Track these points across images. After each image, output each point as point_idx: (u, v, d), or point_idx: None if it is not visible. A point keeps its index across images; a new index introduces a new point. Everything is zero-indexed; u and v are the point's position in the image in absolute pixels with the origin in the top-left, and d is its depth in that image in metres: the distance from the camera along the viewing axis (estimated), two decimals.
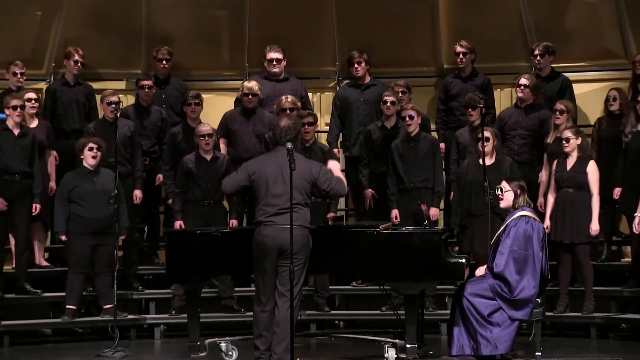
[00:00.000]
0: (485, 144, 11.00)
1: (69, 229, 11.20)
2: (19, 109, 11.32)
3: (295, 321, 9.06)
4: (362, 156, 12.11)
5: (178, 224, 11.43)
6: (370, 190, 12.02)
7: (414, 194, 11.61)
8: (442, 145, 12.33)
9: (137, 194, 11.82)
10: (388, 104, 11.86)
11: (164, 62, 12.57)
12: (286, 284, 9.03)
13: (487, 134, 11.06)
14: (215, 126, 11.82)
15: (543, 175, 11.60)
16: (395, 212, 11.61)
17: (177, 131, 11.96)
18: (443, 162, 12.21)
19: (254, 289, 9.63)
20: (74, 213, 11.17)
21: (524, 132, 11.91)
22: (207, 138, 11.37)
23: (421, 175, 11.62)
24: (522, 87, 11.93)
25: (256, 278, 9.35)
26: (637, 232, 10.94)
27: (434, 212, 11.53)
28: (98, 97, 12.53)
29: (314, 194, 9.46)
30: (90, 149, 11.18)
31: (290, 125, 9.46)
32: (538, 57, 12.31)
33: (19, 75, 12.13)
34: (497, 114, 12.42)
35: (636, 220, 10.82)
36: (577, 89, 12.63)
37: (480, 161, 10.90)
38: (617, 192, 11.42)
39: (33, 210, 11.44)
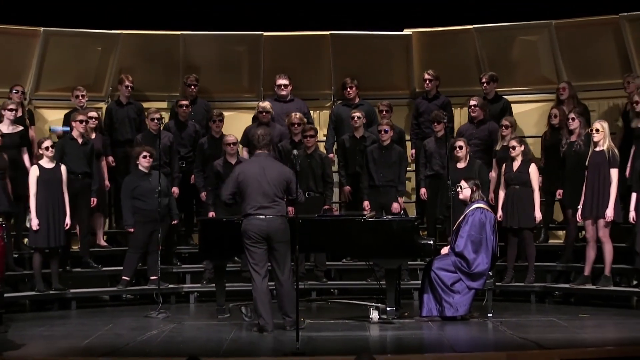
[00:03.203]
0: (459, 151, 11.08)
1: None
2: (83, 123, 11.36)
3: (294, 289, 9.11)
4: (340, 160, 12.10)
5: (210, 214, 11.39)
6: (347, 187, 12.00)
7: (381, 190, 11.61)
8: (413, 151, 12.36)
9: (175, 190, 11.80)
10: (355, 119, 11.93)
11: (192, 86, 12.53)
12: (281, 263, 9.09)
13: (461, 143, 11.13)
14: (239, 137, 11.79)
15: (493, 175, 11.58)
16: (366, 203, 11.58)
17: (204, 141, 11.96)
18: (412, 164, 12.29)
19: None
20: (137, 207, 11.16)
21: (477, 142, 11.88)
22: (232, 146, 11.39)
23: (388, 177, 11.62)
24: (472, 107, 11.93)
25: (249, 258, 9.18)
26: (579, 221, 10.92)
27: (395, 206, 11.51)
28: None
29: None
30: (144, 157, 11.22)
31: (265, 133, 9.45)
32: (485, 84, 12.30)
33: (80, 97, 12.12)
34: (456, 127, 12.41)
35: (579, 212, 10.80)
36: (520, 107, 12.62)
37: (457, 165, 10.94)
38: (559, 193, 11.40)
39: (91, 203, 11.45)
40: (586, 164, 10.69)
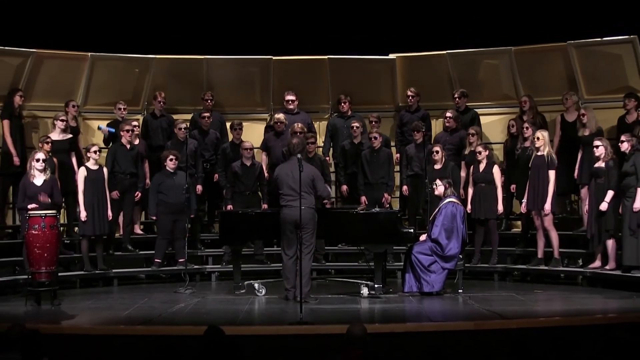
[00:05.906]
0: (436, 155, 11.10)
1: (158, 210, 11.21)
2: (130, 132, 11.43)
3: (310, 269, 9.51)
4: (339, 162, 12.11)
5: (229, 207, 11.39)
6: (344, 186, 12.02)
7: (374, 187, 11.61)
8: (397, 155, 12.32)
9: (199, 188, 11.80)
10: (354, 128, 11.98)
11: (208, 101, 12.49)
12: (304, 244, 9.24)
13: (437, 148, 11.16)
14: (253, 142, 11.81)
15: (462, 175, 11.61)
16: (363, 198, 11.61)
17: (227, 146, 11.95)
18: (397, 166, 12.25)
19: (280, 247, 9.80)
20: (161, 200, 11.18)
21: (450, 147, 11.88)
22: (248, 150, 11.41)
23: (380, 175, 11.60)
24: (448, 118, 11.97)
25: (282, 240, 9.55)
26: (524, 212, 11.02)
27: (386, 196, 11.53)
28: None
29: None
30: (171, 159, 11.24)
31: (298, 142, 9.73)
32: (457, 99, 12.33)
33: (122, 110, 12.16)
34: (433, 136, 12.43)
35: (523, 205, 10.91)
36: (485, 119, 12.61)
37: (434, 166, 10.95)
38: (513, 187, 11.50)
39: (136, 197, 11.50)
40: (529, 165, 10.81)
